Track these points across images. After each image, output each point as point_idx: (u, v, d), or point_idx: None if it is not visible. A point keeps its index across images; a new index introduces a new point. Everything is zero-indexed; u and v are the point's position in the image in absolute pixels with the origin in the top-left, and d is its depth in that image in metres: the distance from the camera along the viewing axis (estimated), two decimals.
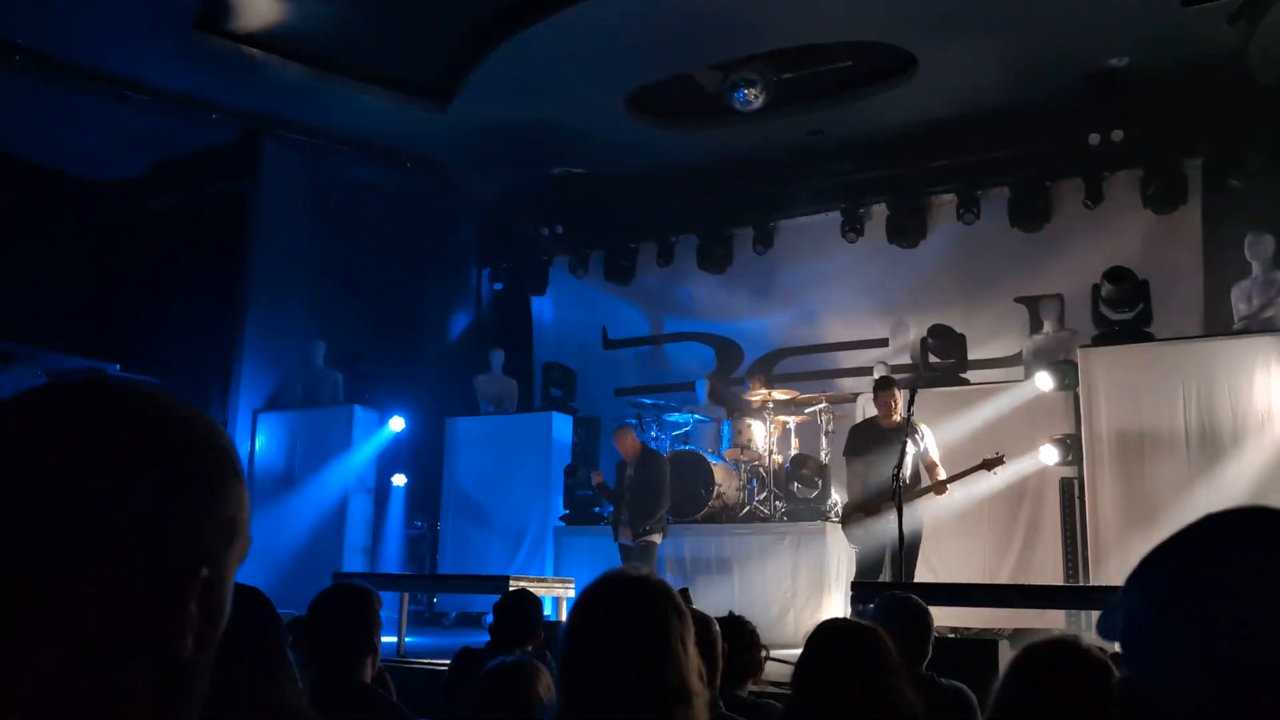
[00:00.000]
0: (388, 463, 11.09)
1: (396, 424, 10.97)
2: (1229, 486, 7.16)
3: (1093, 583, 7.44)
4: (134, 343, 10.70)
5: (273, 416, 10.96)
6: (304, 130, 11.16)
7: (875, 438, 7.09)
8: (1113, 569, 7.33)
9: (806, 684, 2.33)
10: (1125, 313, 8.21)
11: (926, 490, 6.94)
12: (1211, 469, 7.32)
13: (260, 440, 10.88)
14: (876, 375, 10.26)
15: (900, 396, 7.05)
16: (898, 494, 6.41)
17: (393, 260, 12.25)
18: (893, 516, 6.67)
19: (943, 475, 6.95)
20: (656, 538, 8.25)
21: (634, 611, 1.60)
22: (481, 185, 12.27)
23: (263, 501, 10.67)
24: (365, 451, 10.69)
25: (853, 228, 11.24)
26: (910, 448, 6.93)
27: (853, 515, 7.12)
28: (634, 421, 9.61)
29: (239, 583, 1.99)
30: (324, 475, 10.43)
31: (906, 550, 6.71)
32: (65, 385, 0.75)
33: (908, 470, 6.89)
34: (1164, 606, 0.75)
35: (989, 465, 6.90)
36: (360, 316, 11.59)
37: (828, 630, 2.42)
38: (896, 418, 6.96)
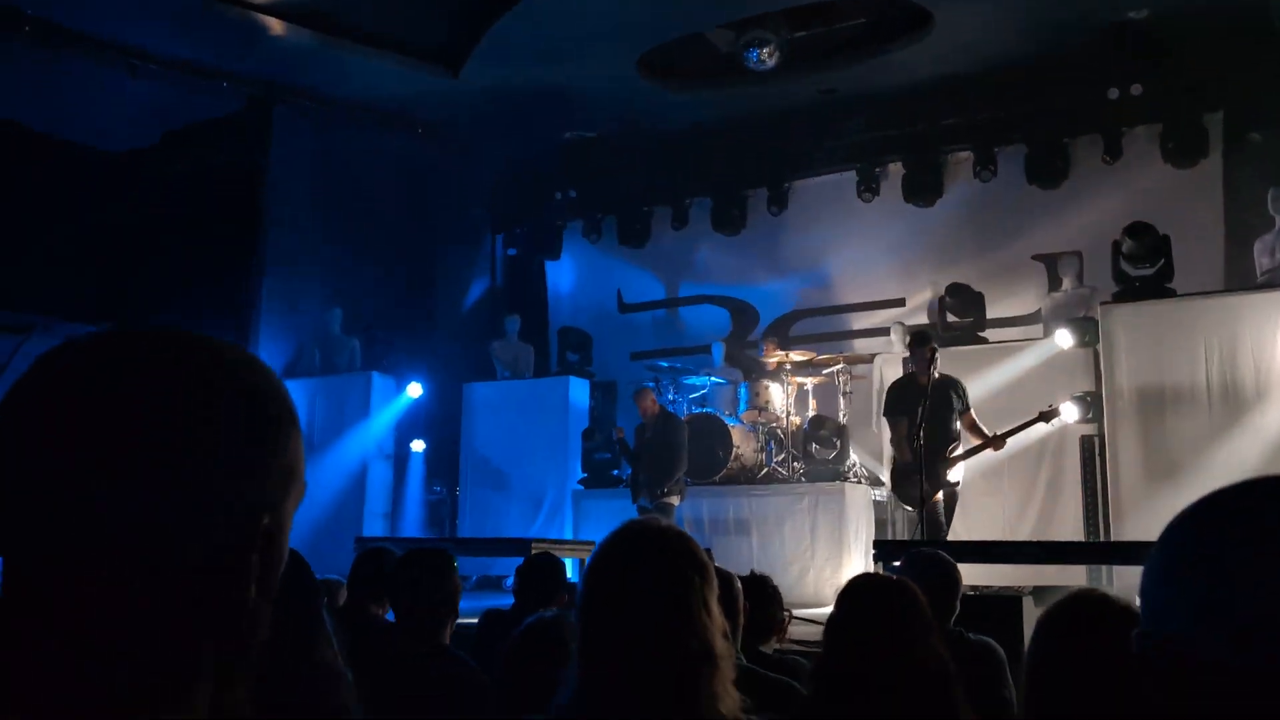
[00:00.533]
0: (406, 429, 11.13)
1: (414, 390, 11.00)
2: (1251, 442, 7.13)
3: (1113, 539, 7.43)
4: (150, 312, 10.73)
5: (291, 384, 10.88)
6: (315, 97, 11.11)
7: (917, 394, 6.88)
8: (1133, 525, 7.31)
9: (838, 637, 2.33)
10: (1146, 268, 8.14)
11: (983, 447, 6.90)
12: (1233, 425, 7.28)
13: None
14: (894, 335, 10.25)
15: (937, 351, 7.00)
16: (919, 452, 6.40)
17: (406, 227, 12.24)
18: (948, 473, 6.74)
19: (986, 430, 6.93)
20: (675, 500, 8.30)
21: (654, 563, 1.54)
22: (493, 151, 12.21)
23: None
24: (384, 418, 10.73)
25: (868, 187, 11.16)
26: (955, 404, 6.90)
27: (904, 475, 6.96)
28: (651, 385, 9.62)
29: None
30: (343, 442, 10.48)
31: (948, 506, 6.74)
32: (129, 335, 0.75)
33: (955, 426, 6.90)
34: (1185, 565, 0.76)
35: (1046, 417, 6.90)
36: (376, 284, 11.60)
37: (860, 585, 2.42)
38: (935, 373, 6.85)
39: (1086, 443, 8.15)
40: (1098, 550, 6.90)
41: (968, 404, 7.04)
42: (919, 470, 6.69)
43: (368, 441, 10.55)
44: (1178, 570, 0.76)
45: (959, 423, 6.98)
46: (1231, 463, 7.04)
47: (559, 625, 2.37)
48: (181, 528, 0.69)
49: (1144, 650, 0.77)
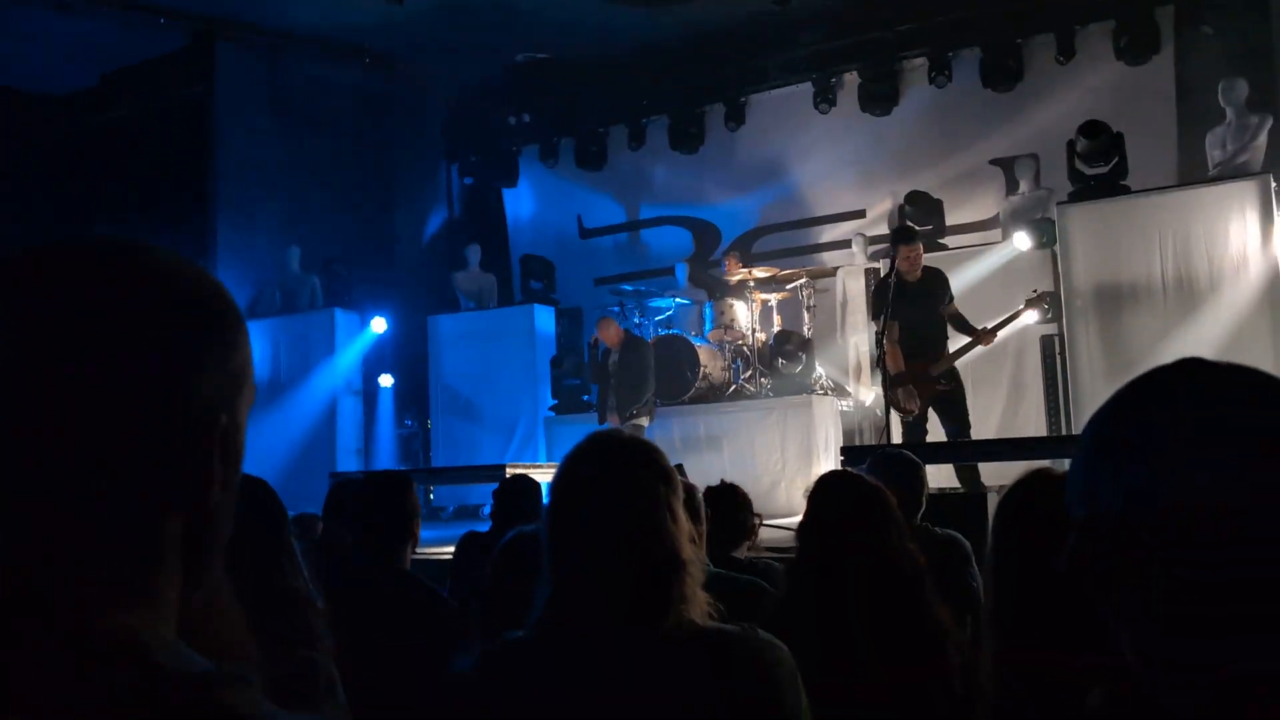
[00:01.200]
0: (373, 364, 11.11)
1: (378, 325, 10.95)
2: (1206, 334, 7.27)
3: (1076, 434, 7.58)
4: None
5: (253, 325, 10.86)
6: (258, 30, 10.84)
7: (902, 294, 6.54)
8: None
9: (810, 535, 2.37)
10: (1101, 167, 8.18)
11: (973, 344, 6.62)
12: (1188, 318, 7.41)
13: None
14: (856, 247, 10.28)
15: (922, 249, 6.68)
16: (881, 359, 6.45)
17: (361, 160, 12.07)
18: (942, 378, 6.50)
19: (972, 325, 6.66)
20: (644, 421, 8.37)
21: (619, 472, 1.54)
22: (444, 78, 11.99)
23: (252, 410, 10.69)
24: (350, 354, 10.70)
25: (825, 99, 11.09)
26: (943, 297, 6.65)
27: (895, 382, 6.59)
28: (616, 309, 9.63)
29: (245, 474, 2.01)
30: (311, 380, 10.46)
31: (948, 406, 6.57)
32: (65, 247, 0.75)
33: (942, 323, 6.66)
34: (1114, 449, 0.78)
35: (1032, 304, 6.78)
36: (332, 219, 11.46)
37: (828, 481, 2.46)
38: (919, 271, 6.58)
39: (1047, 342, 8.28)
40: (1063, 443, 7.04)
41: (952, 295, 6.79)
42: (906, 375, 6.52)
43: (335, 379, 10.53)
44: (1109, 453, 0.79)
45: (944, 317, 6.72)
46: (1187, 355, 7.16)
47: (539, 540, 2.40)
48: (146, 427, 0.70)
49: (1080, 528, 0.79)
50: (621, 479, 1.55)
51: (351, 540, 3.89)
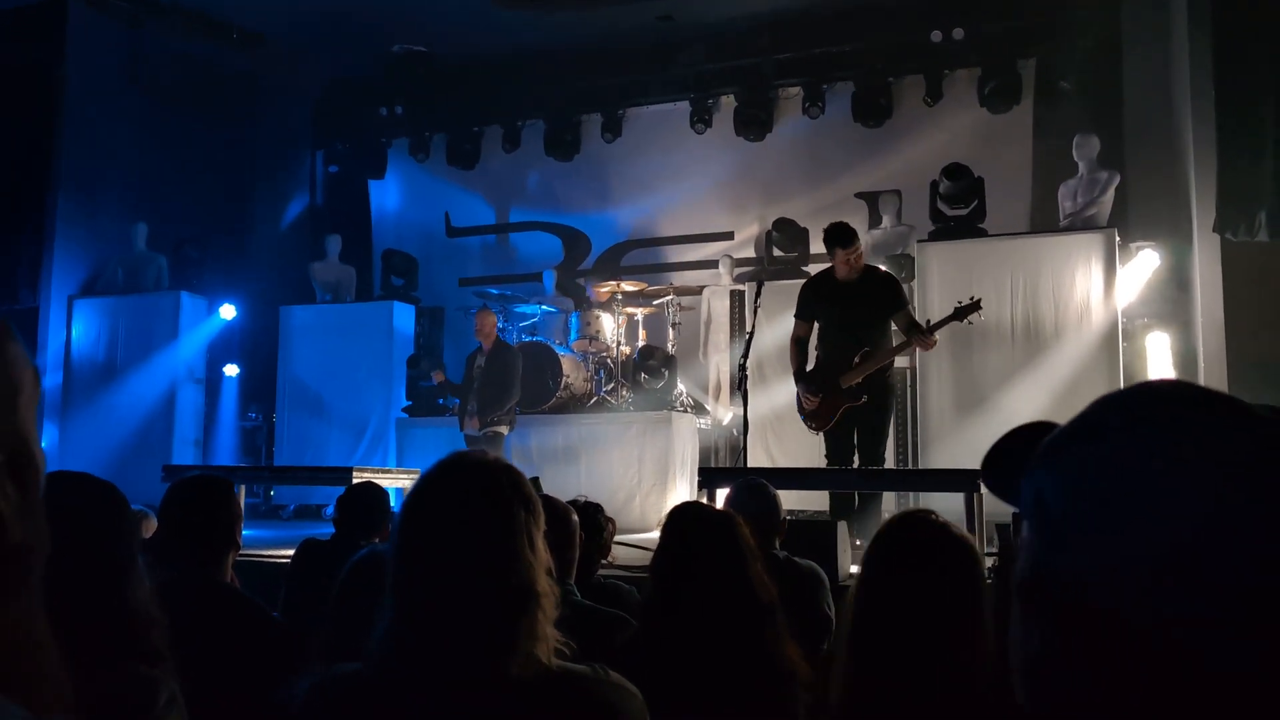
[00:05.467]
0: (219, 352, 10.62)
1: (227, 312, 10.49)
2: (1049, 376, 7.58)
3: (921, 467, 7.81)
4: None
5: (90, 303, 10.30)
6: None
7: (834, 295, 6.00)
8: (939, 453, 7.72)
9: (661, 570, 2.31)
10: (961, 209, 8.47)
11: (903, 347, 5.97)
12: (1033, 360, 7.71)
13: (77, 328, 10.22)
14: (722, 268, 10.36)
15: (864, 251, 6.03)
16: (743, 381, 6.45)
17: (221, 139, 11.56)
18: (868, 389, 5.91)
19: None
20: (504, 429, 8.20)
21: (477, 497, 1.45)
22: (316, 61, 11.60)
23: (82, 392, 10.08)
24: (194, 340, 10.19)
25: (701, 119, 11.21)
26: (886, 301, 6.01)
27: (811, 395, 6.10)
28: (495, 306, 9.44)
29: (93, 477, 1.82)
30: (150, 365, 9.91)
31: (879, 425, 6.07)
32: None
33: (874, 334, 6.01)
34: (1103, 487, 0.64)
35: (964, 313, 6.01)
36: (186, 198, 10.92)
37: (679, 515, 2.40)
38: (857, 273, 5.97)
39: (899, 376, 8.49)
40: (911, 476, 7.23)
41: (901, 303, 6.11)
42: (812, 378, 6.07)
43: (176, 365, 10.00)
44: (1092, 484, 0.64)
45: (890, 324, 6.08)
46: (1031, 395, 7.49)
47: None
48: None
49: (1039, 587, 0.66)
50: (480, 503, 1.45)
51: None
